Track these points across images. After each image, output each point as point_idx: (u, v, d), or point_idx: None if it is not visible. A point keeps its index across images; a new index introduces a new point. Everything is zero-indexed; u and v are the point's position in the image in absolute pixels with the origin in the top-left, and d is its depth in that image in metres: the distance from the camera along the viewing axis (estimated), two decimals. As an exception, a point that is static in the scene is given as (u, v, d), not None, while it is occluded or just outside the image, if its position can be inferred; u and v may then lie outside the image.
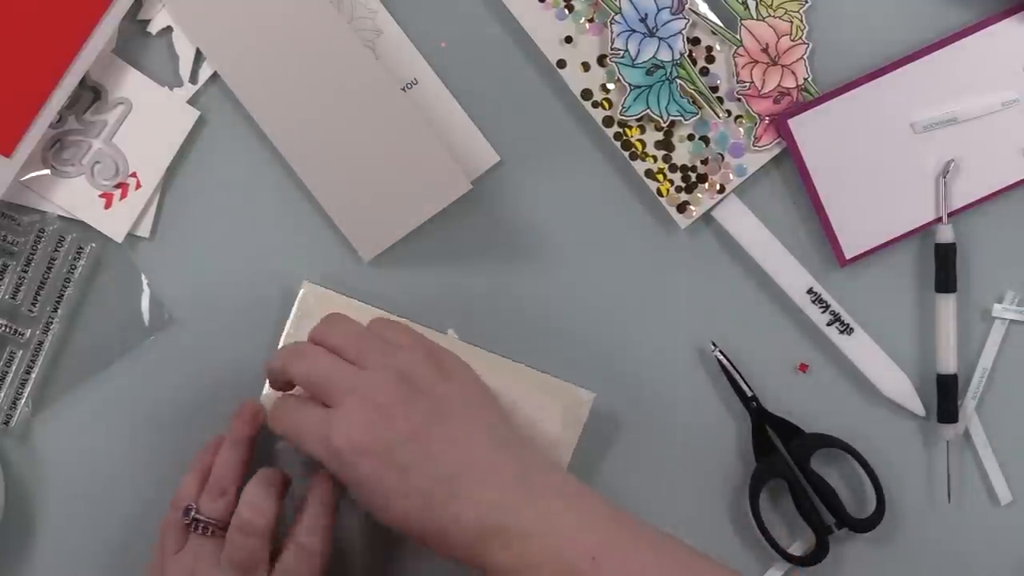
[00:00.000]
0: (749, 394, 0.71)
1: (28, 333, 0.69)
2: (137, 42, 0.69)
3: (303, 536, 0.63)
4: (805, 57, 0.69)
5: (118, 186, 0.69)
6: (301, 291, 0.69)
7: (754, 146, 0.70)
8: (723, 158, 0.70)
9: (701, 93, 0.70)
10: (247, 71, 0.68)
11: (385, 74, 0.68)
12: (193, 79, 0.69)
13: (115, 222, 0.69)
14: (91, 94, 0.68)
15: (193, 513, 0.63)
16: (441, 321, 0.70)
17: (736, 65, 0.69)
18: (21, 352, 0.69)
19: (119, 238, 0.69)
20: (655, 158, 0.70)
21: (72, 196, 0.68)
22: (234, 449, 0.65)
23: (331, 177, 0.69)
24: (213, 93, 0.69)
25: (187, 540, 0.64)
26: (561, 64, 0.69)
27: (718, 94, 0.70)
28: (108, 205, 0.69)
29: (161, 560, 0.64)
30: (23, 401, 0.69)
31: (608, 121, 0.70)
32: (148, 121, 0.68)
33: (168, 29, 0.68)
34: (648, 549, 0.58)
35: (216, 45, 0.68)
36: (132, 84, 0.68)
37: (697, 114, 0.70)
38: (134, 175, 0.69)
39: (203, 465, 0.66)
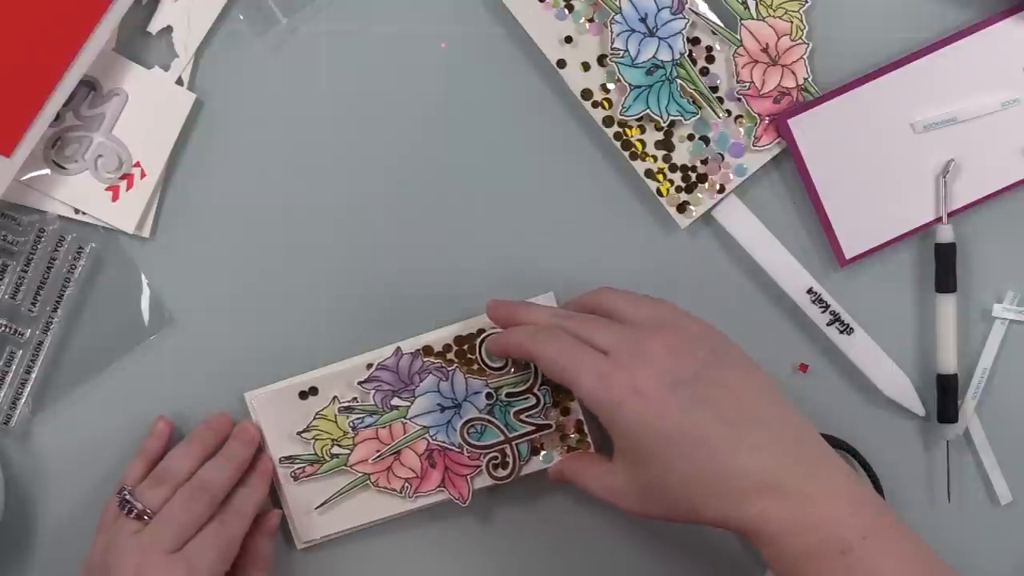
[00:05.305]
0: (749, 394, 0.71)
1: (28, 333, 0.69)
2: (137, 41, 0.69)
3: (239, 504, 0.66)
4: (805, 57, 0.69)
5: (123, 177, 0.68)
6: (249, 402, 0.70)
7: (754, 146, 0.70)
8: (723, 158, 0.70)
9: (701, 93, 0.70)
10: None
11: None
12: (192, 87, 0.69)
13: (124, 214, 0.69)
14: (86, 88, 0.68)
15: (126, 494, 0.65)
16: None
17: (736, 65, 0.69)
18: (21, 352, 0.69)
19: (130, 229, 0.69)
20: (655, 158, 0.70)
21: (79, 192, 0.68)
22: (200, 451, 0.67)
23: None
24: (207, 79, 0.70)
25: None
26: (561, 64, 0.69)
27: (718, 94, 0.70)
28: (116, 198, 0.69)
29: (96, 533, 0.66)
30: (23, 401, 0.69)
31: (608, 121, 0.70)
32: (146, 108, 0.68)
33: (168, 29, 0.68)
34: (907, 539, 0.58)
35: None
36: (125, 74, 0.68)
37: (697, 114, 0.70)
38: (137, 164, 0.69)
39: (149, 452, 0.68)
